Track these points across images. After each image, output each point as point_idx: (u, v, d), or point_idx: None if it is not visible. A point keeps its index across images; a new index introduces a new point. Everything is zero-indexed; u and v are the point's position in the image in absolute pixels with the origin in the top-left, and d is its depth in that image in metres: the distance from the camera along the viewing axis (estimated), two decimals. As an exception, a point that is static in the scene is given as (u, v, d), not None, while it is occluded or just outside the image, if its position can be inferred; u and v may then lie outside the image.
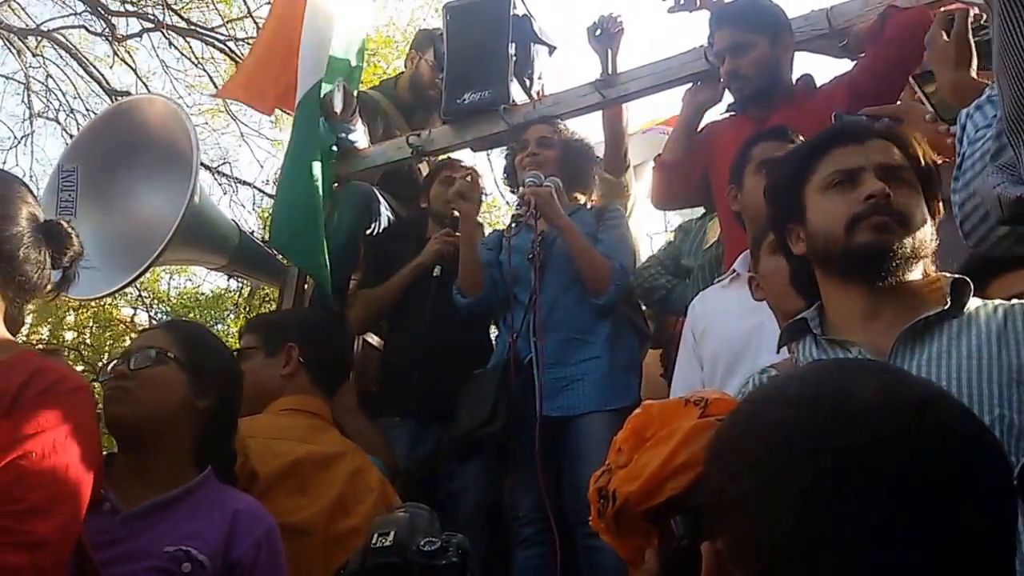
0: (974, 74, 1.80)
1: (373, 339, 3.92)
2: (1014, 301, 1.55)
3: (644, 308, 3.45)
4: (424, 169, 4.15)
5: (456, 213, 3.42)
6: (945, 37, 1.82)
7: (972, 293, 1.57)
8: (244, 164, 19.55)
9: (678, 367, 2.69)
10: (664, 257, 3.32)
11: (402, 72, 4.43)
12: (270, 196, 11.14)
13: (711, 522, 0.83)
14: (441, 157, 4.01)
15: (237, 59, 10.31)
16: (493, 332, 3.56)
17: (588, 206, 3.48)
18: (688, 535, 0.96)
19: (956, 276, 1.59)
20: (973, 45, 1.80)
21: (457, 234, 3.44)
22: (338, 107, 3.69)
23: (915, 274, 1.61)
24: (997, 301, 1.57)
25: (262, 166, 27.85)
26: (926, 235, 1.61)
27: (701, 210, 3.42)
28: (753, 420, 0.82)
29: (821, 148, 1.70)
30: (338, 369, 2.62)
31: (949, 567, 0.70)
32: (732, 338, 2.46)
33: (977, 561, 0.71)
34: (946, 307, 1.54)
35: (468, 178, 3.41)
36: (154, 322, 13.99)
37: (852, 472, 0.72)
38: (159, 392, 1.90)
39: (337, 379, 2.63)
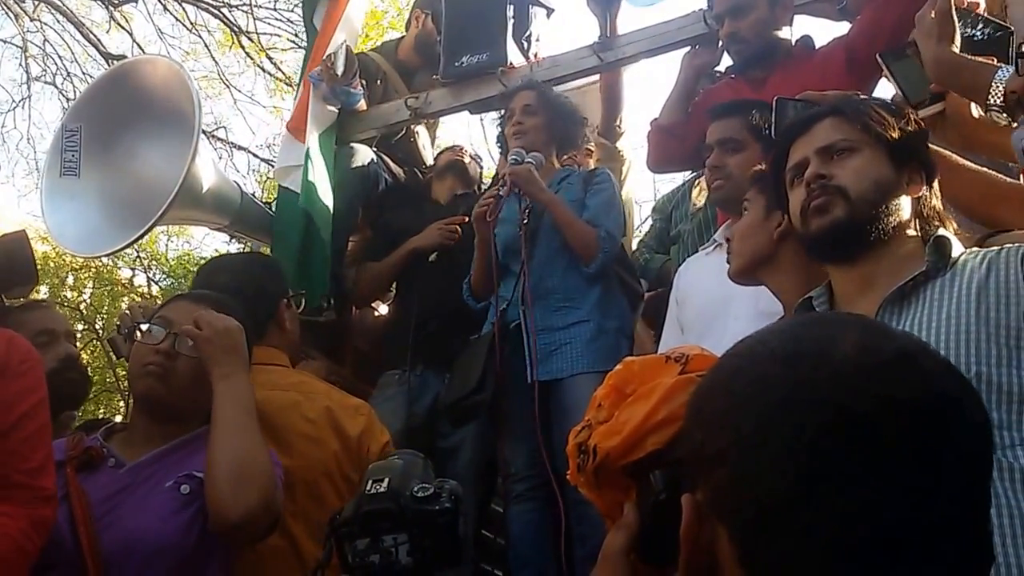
0: (956, 50, 1.83)
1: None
2: (1006, 246, 1.57)
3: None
4: (422, 133, 4.16)
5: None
6: (933, 14, 1.84)
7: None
8: (238, 130, 19.45)
9: (664, 332, 2.75)
10: (649, 240, 3.44)
11: (403, 36, 4.41)
12: (264, 160, 11.20)
13: (691, 475, 0.84)
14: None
15: (230, 25, 10.31)
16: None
17: (578, 169, 3.49)
18: (666, 489, 0.97)
19: (938, 234, 1.62)
20: (956, 22, 1.83)
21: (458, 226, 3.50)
22: (339, 69, 3.68)
23: (899, 237, 1.64)
24: (984, 250, 1.60)
25: (254, 133, 27.87)
26: (886, 196, 1.65)
27: (682, 178, 3.47)
28: (733, 375, 0.83)
29: (785, 144, 1.79)
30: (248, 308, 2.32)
31: (926, 517, 0.71)
32: (705, 306, 2.52)
33: (954, 512, 0.73)
34: (923, 269, 1.58)
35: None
36: (154, 283, 14.04)
37: (832, 425, 0.72)
38: (200, 379, 1.96)
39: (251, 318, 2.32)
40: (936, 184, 1.72)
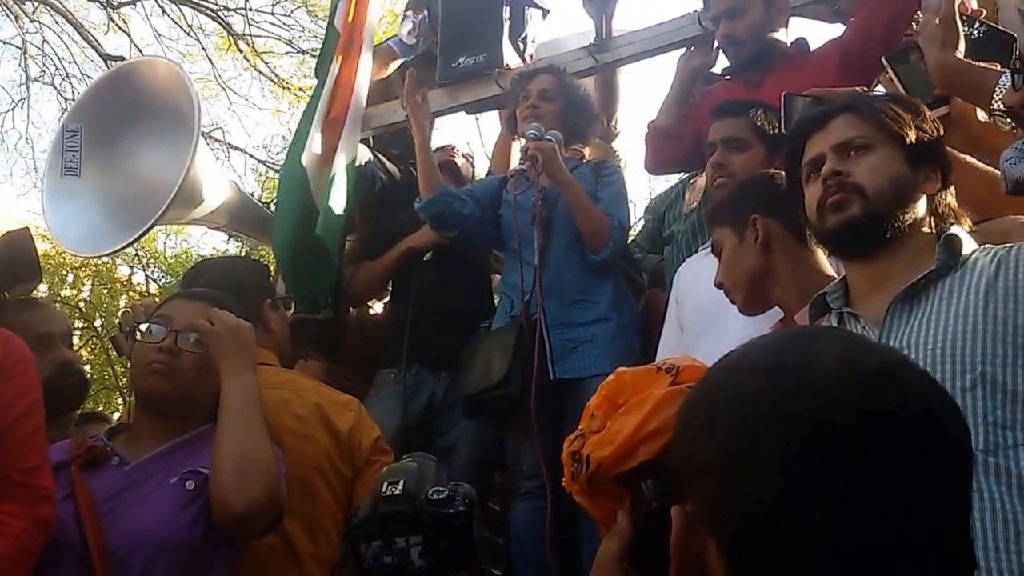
0: (960, 55, 1.85)
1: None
2: (1019, 243, 1.58)
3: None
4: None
5: None
6: (937, 20, 1.86)
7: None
8: (235, 132, 19.46)
9: (663, 331, 2.75)
10: (642, 240, 3.48)
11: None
12: (261, 161, 11.22)
13: (681, 486, 0.85)
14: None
15: (227, 28, 10.31)
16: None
17: (585, 161, 3.47)
18: (658, 498, 0.97)
19: (949, 232, 1.63)
20: (960, 28, 1.84)
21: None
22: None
23: (914, 235, 1.65)
24: (996, 247, 1.60)
25: (250, 135, 27.82)
26: (902, 194, 1.66)
27: (676, 178, 3.48)
28: (720, 388, 0.84)
29: (799, 140, 1.80)
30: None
31: (908, 528, 0.72)
32: (705, 305, 2.51)
33: (935, 524, 0.74)
34: (934, 268, 1.58)
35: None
36: (152, 281, 14.03)
37: (815, 438, 0.74)
38: (202, 375, 1.98)
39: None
40: (952, 182, 1.73)
